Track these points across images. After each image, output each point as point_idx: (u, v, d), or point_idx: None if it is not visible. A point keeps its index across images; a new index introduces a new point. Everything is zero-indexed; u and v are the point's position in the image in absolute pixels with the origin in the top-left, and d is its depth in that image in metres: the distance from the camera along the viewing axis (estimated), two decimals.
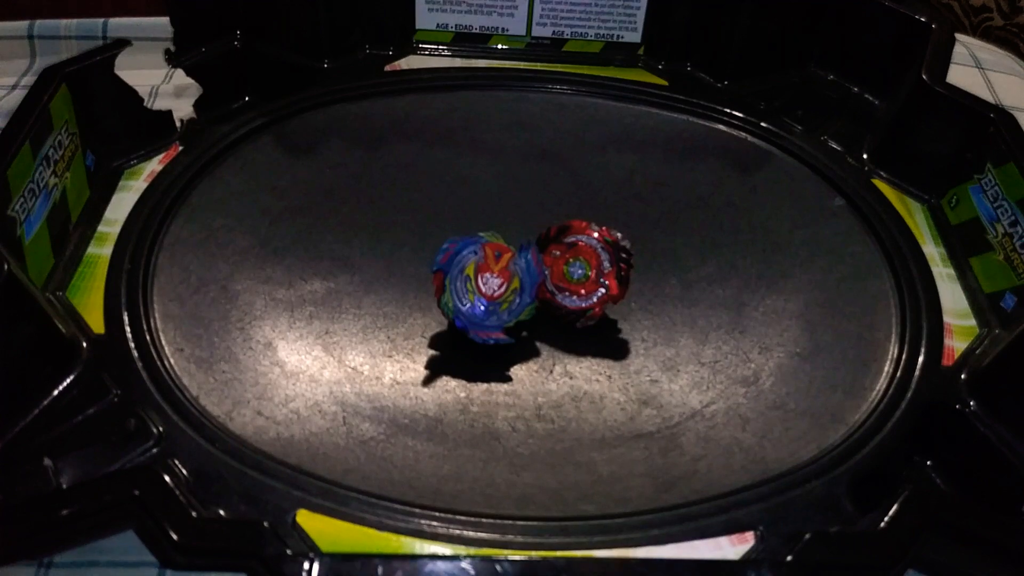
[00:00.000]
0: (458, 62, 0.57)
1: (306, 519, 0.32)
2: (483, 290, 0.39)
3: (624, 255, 0.41)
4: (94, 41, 0.59)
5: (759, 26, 0.55)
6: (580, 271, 0.40)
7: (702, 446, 0.38)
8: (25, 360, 0.35)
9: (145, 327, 0.39)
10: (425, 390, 0.40)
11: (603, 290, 0.40)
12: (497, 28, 0.58)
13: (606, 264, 0.40)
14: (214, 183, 0.48)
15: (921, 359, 0.40)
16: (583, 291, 0.40)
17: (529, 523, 0.33)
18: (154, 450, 0.34)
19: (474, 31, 0.58)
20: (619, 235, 0.41)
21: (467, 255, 0.40)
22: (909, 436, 0.37)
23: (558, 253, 0.41)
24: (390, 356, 0.41)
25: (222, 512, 0.32)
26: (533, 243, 0.40)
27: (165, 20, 0.52)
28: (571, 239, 0.41)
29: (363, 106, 0.54)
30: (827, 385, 0.40)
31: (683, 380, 0.41)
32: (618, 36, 0.58)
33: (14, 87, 0.58)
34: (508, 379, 0.40)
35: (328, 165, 0.51)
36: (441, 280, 0.40)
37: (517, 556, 0.31)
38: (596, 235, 0.41)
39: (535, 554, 0.32)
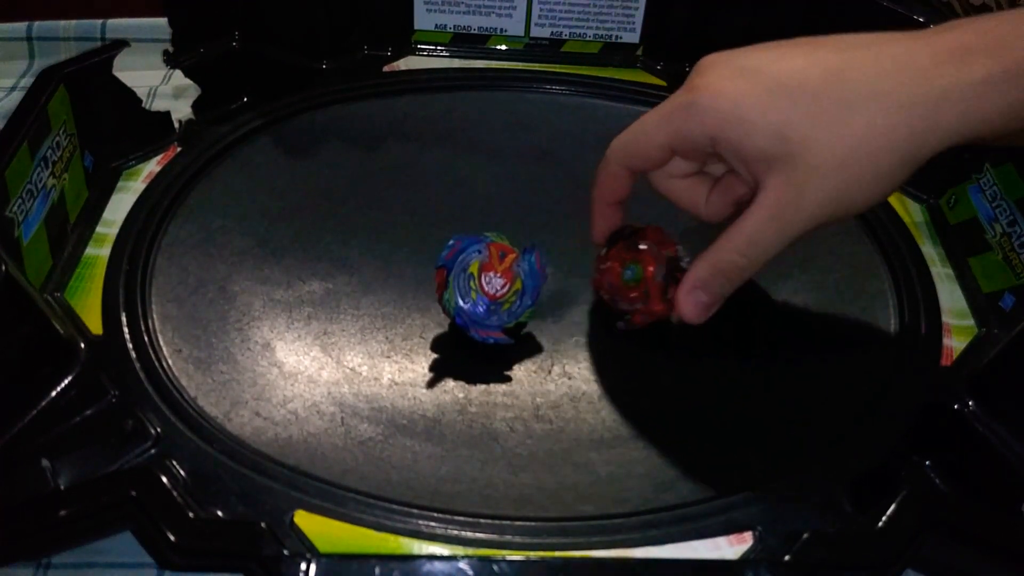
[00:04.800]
0: (456, 63, 0.57)
1: (304, 520, 0.32)
2: (486, 289, 0.39)
3: (678, 271, 0.38)
4: (92, 42, 0.59)
5: (756, 25, 0.55)
6: (631, 274, 0.38)
7: (700, 446, 0.38)
8: (23, 361, 0.35)
9: (143, 328, 0.39)
10: (423, 391, 0.39)
11: (643, 303, 0.38)
12: (495, 29, 0.58)
13: (658, 273, 0.38)
14: (212, 184, 0.48)
15: (920, 359, 0.40)
16: (632, 295, 0.38)
17: (527, 523, 0.33)
18: (152, 451, 0.34)
19: (472, 32, 0.58)
20: (681, 251, 0.39)
21: (471, 253, 0.40)
22: (907, 436, 0.37)
23: (625, 251, 0.39)
24: (388, 357, 0.41)
25: (220, 513, 0.32)
26: (537, 246, 0.40)
27: (163, 21, 0.52)
28: (639, 243, 0.39)
29: (361, 107, 0.54)
30: (826, 385, 0.40)
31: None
32: (616, 37, 0.58)
33: (13, 88, 0.58)
34: (506, 379, 0.40)
35: (326, 166, 0.51)
36: (444, 276, 0.40)
37: (515, 556, 0.31)
38: (657, 251, 0.38)
39: (533, 554, 0.32)
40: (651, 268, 0.37)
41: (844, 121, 0.31)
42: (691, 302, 0.35)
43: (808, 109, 0.31)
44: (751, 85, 0.32)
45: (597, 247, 0.40)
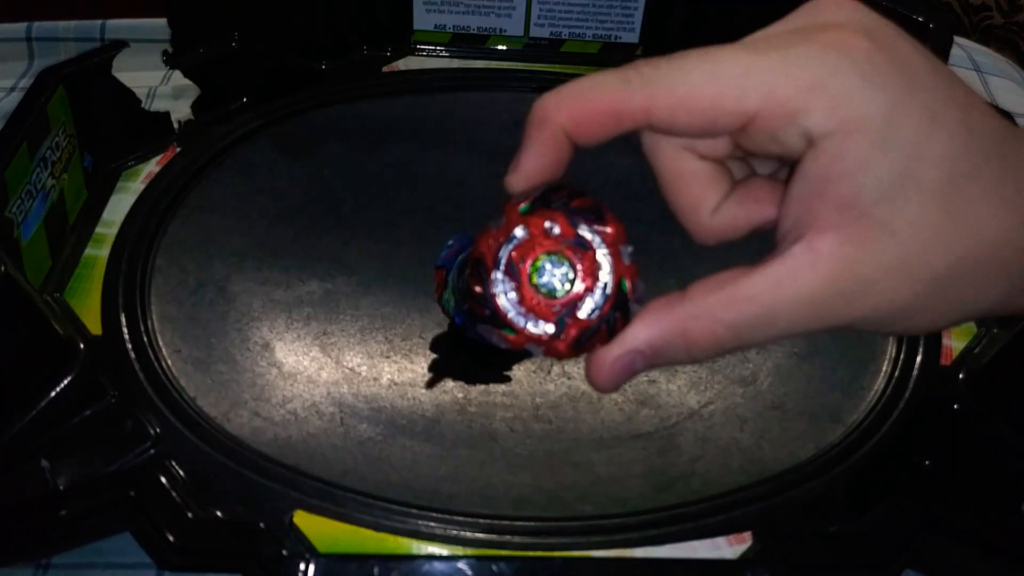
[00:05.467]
0: (456, 63, 0.57)
1: (303, 520, 0.32)
2: None
3: (621, 315, 0.22)
4: (92, 43, 0.59)
5: (757, 26, 0.55)
6: (557, 282, 0.22)
7: (700, 446, 0.37)
8: (22, 362, 0.35)
9: (142, 328, 0.39)
10: (423, 391, 0.39)
11: (550, 331, 0.22)
12: (495, 29, 0.58)
13: (591, 302, 0.22)
14: (212, 184, 0.48)
15: (919, 358, 0.40)
16: (533, 306, 0.22)
17: (527, 523, 0.33)
18: (151, 451, 0.34)
19: (472, 32, 0.58)
20: (642, 288, 0.23)
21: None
22: (907, 436, 0.37)
23: (555, 230, 0.23)
24: (388, 357, 0.41)
25: (219, 513, 0.32)
26: None
27: (163, 21, 0.52)
28: (587, 233, 0.23)
29: (361, 107, 0.54)
30: (825, 385, 0.40)
31: (681, 380, 0.41)
32: (616, 37, 0.58)
33: (12, 89, 0.58)
34: (506, 379, 0.40)
35: (326, 166, 0.51)
36: (443, 277, 0.40)
37: (515, 556, 0.31)
38: (610, 268, 0.22)
39: (533, 554, 0.32)
40: (588, 284, 0.22)
41: (980, 212, 0.20)
42: (620, 369, 0.22)
43: (946, 169, 0.20)
44: (894, 84, 0.20)
45: (510, 195, 0.23)
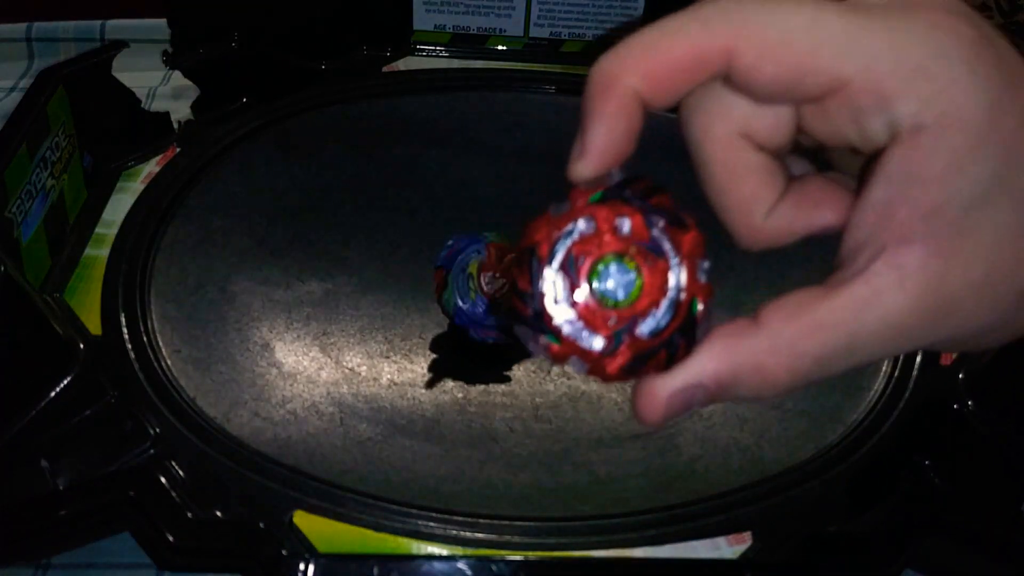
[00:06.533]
0: (456, 63, 0.57)
1: (303, 520, 0.32)
2: (485, 289, 0.39)
3: (686, 341, 0.19)
4: (92, 43, 0.59)
5: None
6: (621, 290, 0.19)
7: (700, 446, 0.38)
8: (22, 361, 0.35)
9: (142, 328, 0.39)
10: (422, 391, 0.39)
11: (600, 347, 0.19)
12: (494, 29, 0.58)
13: (654, 320, 0.19)
14: (212, 185, 0.48)
15: (919, 358, 0.39)
16: (586, 317, 0.19)
17: (526, 523, 0.33)
18: (151, 451, 0.34)
19: (471, 32, 0.58)
20: (711, 313, 0.19)
21: (470, 253, 0.40)
22: (907, 435, 0.37)
23: (626, 227, 0.19)
24: (388, 357, 0.41)
25: (219, 513, 0.32)
26: None
27: (163, 22, 0.52)
28: (662, 237, 0.19)
29: (361, 107, 0.54)
30: (825, 385, 0.39)
31: None
32: (616, 37, 0.58)
33: (12, 89, 0.58)
34: (506, 379, 0.40)
35: (326, 166, 0.51)
36: (442, 277, 0.40)
37: (514, 556, 0.31)
38: (684, 281, 0.19)
39: (532, 555, 0.32)
40: (654, 299, 0.19)
41: None
42: (677, 404, 0.19)
43: None
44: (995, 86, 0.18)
45: (576, 182, 0.19)
